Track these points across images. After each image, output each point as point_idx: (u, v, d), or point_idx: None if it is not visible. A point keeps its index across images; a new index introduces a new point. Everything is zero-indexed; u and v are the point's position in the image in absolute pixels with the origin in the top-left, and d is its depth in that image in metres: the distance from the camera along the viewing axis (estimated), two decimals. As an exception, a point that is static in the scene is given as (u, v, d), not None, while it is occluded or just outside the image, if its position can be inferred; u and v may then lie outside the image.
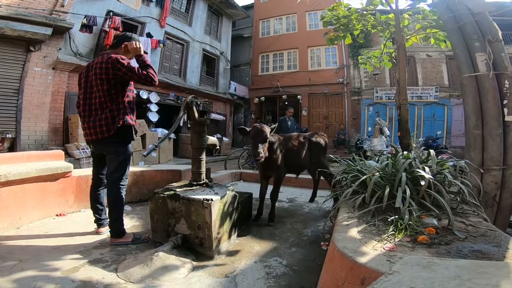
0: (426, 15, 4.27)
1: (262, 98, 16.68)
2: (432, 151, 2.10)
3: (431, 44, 4.56)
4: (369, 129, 10.87)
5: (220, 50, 15.00)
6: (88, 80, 2.29)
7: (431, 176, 1.88)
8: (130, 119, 2.35)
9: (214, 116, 13.90)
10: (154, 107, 9.62)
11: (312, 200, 4.07)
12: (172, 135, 9.55)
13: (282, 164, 3.14)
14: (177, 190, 2.47)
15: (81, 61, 8.21)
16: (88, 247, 2.26)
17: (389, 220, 1.73)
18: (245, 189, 4.83)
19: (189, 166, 4.70)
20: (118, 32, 8.99)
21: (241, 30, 17.75)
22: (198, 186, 2.61)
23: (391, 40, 4.72)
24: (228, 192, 2.54)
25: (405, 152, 2.33)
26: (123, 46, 2.37)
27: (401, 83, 3.41)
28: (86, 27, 8.36)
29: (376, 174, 2.02)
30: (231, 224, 2.61)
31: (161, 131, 8.94)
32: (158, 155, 8.71)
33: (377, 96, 14.01)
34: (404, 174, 1.87)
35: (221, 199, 2.38)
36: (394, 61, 5.10)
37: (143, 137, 8.16)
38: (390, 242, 1.50)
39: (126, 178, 2.48)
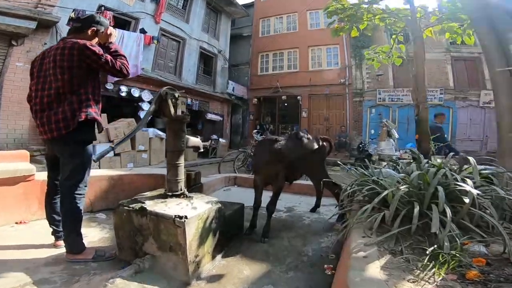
0: (443, 5, 3.82)
1: (261, 99, 16.29)
2: (471, 159, 1.62)
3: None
4: (372, 131, 10.43)
5: (218, 49, 14.57)
6: (43, 68, 1.94)
7: (477, 191, 1.40)
8: (95, 112, 1.96)
9: (210, 116, 13.44)
10: (146, 106, 9.15)
11: (314, 210, 3.61)
12: (164, 135, 9.07)
13: (283, 172, 2.67)
14: (146, 202, 2.00)
15: None
16: (39, 263, 1.91)
17: (426, 250, 1.26)
18: (240, 195, 4.37)
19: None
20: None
21: (240, 29, 17.37)
22: (174, 198, 2.15)
23: (402, 34, 4.26)
24: (210, 205, 2.07)
25: (437, 160, 1.85)
26: (90, 31, 2.01)
27: (419, 79, 2.96)
28: (74, 21, 7.86)
29: (402, 188, 1.54)
30: (215, 243, 2.16)
31: (152, 131, 8.46)
32: (149, 156, 8.23)
33: (380, 98, 13.57)
34: (440, 188, 1.39)
35: (200, 214, 1.91)
36: (404, 57, 4.66)
37: (132, 137, 7.68)
38: (430, 283, 1.08)
39: (85, 186, 2.05)
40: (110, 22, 8.49)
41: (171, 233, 1.80)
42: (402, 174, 1.75)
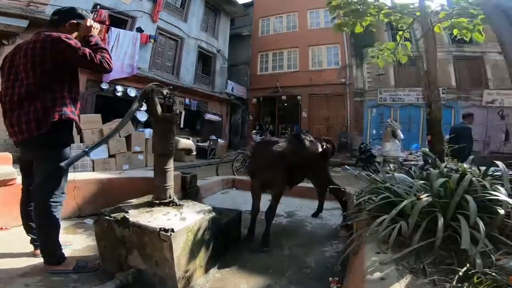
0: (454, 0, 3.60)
1: (261, 99, 16.09)
2: (500, 163, 1.41)
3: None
4: (374, 132, 10.22)
5: (217, 48, 14.37)
6: (14, 65, 1.76)
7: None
8: (71, 112, 1.77)
9: (209, 116, 13.23)
10: (143, 106, 8.94)
11: (316, 215, 3.41)
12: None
13: (283, 177, 2.46)
14: (130, 211, 1.80)
15: None
16: (14, 273, 1.75)
17: (452, 268, 1.06)
18: (238, 198, 4.17)
19: (174, 172, 4.05)
20: (105, 27, 8.35)
21: (240, 28, 17.15)
22: (162, 206, 1.94)
23: (409, 31, 4.06)
24: (202, 214, 1.86)
25: (464, 165, 1.63)
26: (68, 24, 1.84)
27: (431, 77, 2.75)
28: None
29: (424, 197, 1.33)
30: (209, 255, 1.97)
31: (148, 132, 8.23)
32: (146, 158, 8.00)
33: (381, 98, 13.36)
34: (470, 198, 1.18)
35: (190, 226, 1.70)
36: (411, 54, 4.45)
37: (128, 138, 7.47)
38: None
39: (62, 193, 1.84)
40: (105, 21, 8.41)
41: (157, 247, 1.60)
42: (420, 181, 1.53)
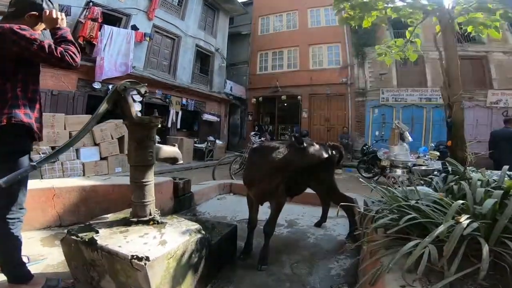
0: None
1: (260, 99, 15.78)
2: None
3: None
4: (376, 133, 9.93)
5: (215, 47, 14.06)
6: None
7: None
8: (25, 114, 1.50)
9: (207, 117, 12.93)
10: (137, 106, 8.61)
11: (319, 224, 3.15)
12: (157, 138, 8.53)
13: (284, 187, 2.18)
14: (101, 231, 1.51)
15: None
16: None
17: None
18: (235, 205, 3.89)
19: (165, 178, 3.75)
20: (97, 24, 8.06)
21: (239, 27, 16.88)
22: (140, 225, 1.65)
23: (420, 27, 3.76)
24: (188, 236, 1.56)
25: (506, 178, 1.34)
26: (27, 16, 1.60)
27: (452, 74, 2.45)
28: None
29: (464, 220, 1.05)
30: (198, 279, 1.70)
31: (143, 133, 7.93)
32: (140, 160, 7.68)
33: (383, 98, 13.08)
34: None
35: (171, 252, 1.41)
36: (421, 52, 4.16)
37: (121, 139, 7.15)
38: None
39: (21, 209, 1.57)
40: (98, 18, 8.11)
41: (130, 276, 1.32)
42: (460, 202, 1.23)
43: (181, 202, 3.74)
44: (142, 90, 1.60)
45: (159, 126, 1.68)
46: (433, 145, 9.51)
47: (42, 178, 5.98)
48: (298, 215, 3.61)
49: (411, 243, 1.22)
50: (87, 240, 1.46)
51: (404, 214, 1.46)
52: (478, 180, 1.56)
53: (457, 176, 1.92)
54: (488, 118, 11.98)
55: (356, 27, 3.66)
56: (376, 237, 1.59)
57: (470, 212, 1.18)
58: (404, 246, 1.23)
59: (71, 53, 1.54)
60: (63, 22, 1.70)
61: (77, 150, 6.38)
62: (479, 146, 12.16)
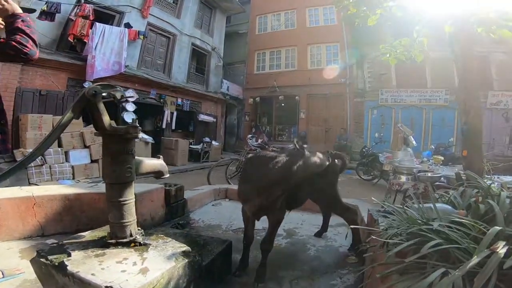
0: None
1: (257, 99, 15.52)
2: None
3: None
4: (376, 135, 9.75)
5: (212, 46, 13.79)
6: None
7: None
8: None
9: (203, 117, 12.65)
10: (130, 107, 8.33)
11: (319, 234, 2.98)
12: (150, 139, 8.27)
13: (283, 200, 1.98)
14: (74, 253, 1.31)
15: (39, 53, 6.80)
16: None
17: None
18: (231, 212, 3.69)
19: (156, 185, 3.52)
20: (88, 22, 7.78)
21: (236, 26, 16.63)
22: (119, 248, 1.41)
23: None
24: (174, 261, 1.34)
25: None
26: None
27: (469, 76, 2.23)
28: (47, 14, 7.12)
29: (501, 249, 0.86)
30: None
31: (136, 134, 7.67)
32: (133, 162, 7.44)
33: (382, 99, 12.90)
34: None
35: (154, 281, 1.20)
36: (428, 52, 3.97)
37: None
38: None
39: None
40: (89, 16, 7.84)
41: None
42: (497, 228, 1.02)
43: (173, 210, 3.56)
44: (118, 95, 1.37)
45: (138, 137, 1.44)
46: (433, 147, 9.38)
47: (29, 182, 5.73)
48: (297, 223, 3.44)
49: (436, 274, 1.01)
50: (56, 264, 1.25)
51: (425, 238, 1.25)
52: (507, 197, 1.35)
53: (477, 190, 1.73)
54: (488, 119, 11.83)
55: (361, 25, 3.46)
56: (389, 257, 1.37)
57: (503, 236, 0.97)
58: (427, 278, 1.03)
59: (17, 42, 1.38)
60: (17, 8, 1.50)
61: (66, 153, 6.12)
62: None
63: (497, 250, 0.95)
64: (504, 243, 1.00)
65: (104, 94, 1.39)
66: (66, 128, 1.40)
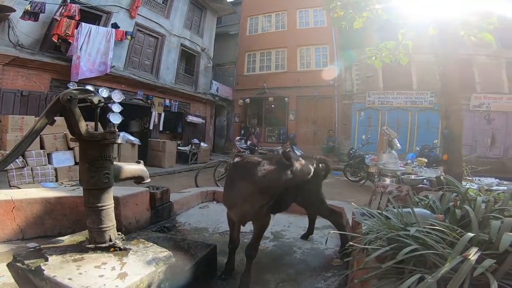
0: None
1: (247, 100, 15.50)
2: None
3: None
4: (363, 137, 9.87)
5: (201, 47, 13.69)
6: None
7: None
8: None
9: (191, 118, 12.53)
10: (117, 107, 8.19)
11: (306, 237, 3.03)
12: (136, 141, 8.13)
13: (268, 206, 1.97)
14: (51, 258, 1.29)
15: (21, 53, 6.87)
16: None
17: None
18: (218, 215, 3.70)
19: (140, 188, 3.46)
20: (73, 22, 7.61)
21: (227, 27, 16.57)
22: (98, 253, 1.39)
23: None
24: (154, 266, 1.33)
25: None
26: None
27: (450, 79, 2.27)
28: (30, 14, 6.94)
29: (473, 255, 0.90)
30: None
31: (122, 136, 7.54)
32: (119, 164, 7.30)
33: (369, 101, 13.09)
34: None
35: (132, 286, 1.17)
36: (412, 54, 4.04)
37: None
38: None
39: None
40: (75, 16, 7.67)
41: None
42: (470, 234, 1.04)
43: (159, 213, 3.54)
44: (95, 100, 1.34)
45: (117, 142, 1.42)
46: (418, 149, 9.56)
47: (10, 185, 5.55)
48: (284, 226, 3.47)
49: (412, 279, 1.04)
50: (33, 269, 1.22)
51: (402, 244, 1.27)
52: (483, 202, 1.39)
53: (455, 194, 1.77)
54: (471, 121, 12.16)
55: (347, 28, 3.50)
56: (367, 262, 1.40)
57: (475, 241, 1.00)
58: (403, 283, 1.05)
59: None
60: None
61: (48, 155, 5.95)
62: (463, 150, 12.40)
63: (469, 257, 0.97)
64: (476, 249, 1.03)
65: (82, 97, 1.35)
66: (44, 131, 1.37)
